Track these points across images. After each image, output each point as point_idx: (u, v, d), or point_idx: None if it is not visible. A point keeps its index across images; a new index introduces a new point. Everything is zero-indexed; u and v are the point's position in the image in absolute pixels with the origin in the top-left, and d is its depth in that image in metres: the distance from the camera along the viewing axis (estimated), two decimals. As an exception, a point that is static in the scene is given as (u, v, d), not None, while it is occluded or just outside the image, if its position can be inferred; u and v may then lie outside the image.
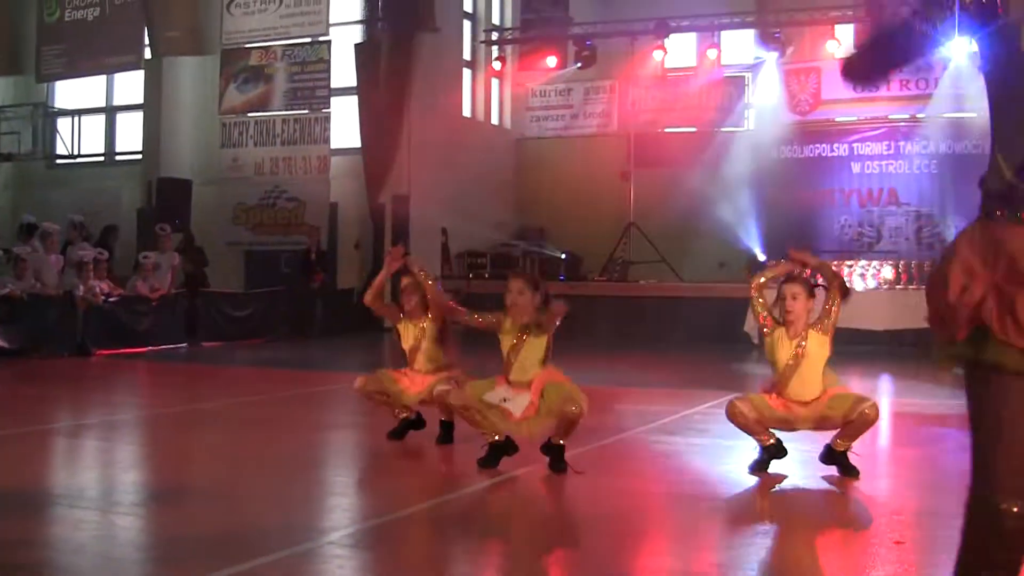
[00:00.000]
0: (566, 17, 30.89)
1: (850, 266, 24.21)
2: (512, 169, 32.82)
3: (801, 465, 9.04)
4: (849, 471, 8.85)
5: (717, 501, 8.27)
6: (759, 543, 7.20)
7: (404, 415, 10.43)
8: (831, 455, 8.97)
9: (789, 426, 9.05)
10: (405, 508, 7.74)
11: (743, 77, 29.68)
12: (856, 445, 8.85)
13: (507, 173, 32.50)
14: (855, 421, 8.74)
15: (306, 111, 28.35)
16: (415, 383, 10.22)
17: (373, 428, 10.83)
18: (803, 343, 8.97)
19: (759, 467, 8.98)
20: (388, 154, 27.53)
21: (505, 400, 8.92)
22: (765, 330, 9.25)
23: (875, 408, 8.79)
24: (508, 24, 33.13)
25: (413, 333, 10.35)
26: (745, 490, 8.57)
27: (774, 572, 6.59)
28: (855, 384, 17.46)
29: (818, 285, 9.28)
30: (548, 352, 9.05)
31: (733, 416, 9.08)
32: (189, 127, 30.27)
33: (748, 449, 9.15)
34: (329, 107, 28.12)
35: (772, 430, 9.06)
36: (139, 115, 30.45)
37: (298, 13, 27.88)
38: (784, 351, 9.03)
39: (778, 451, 9.00)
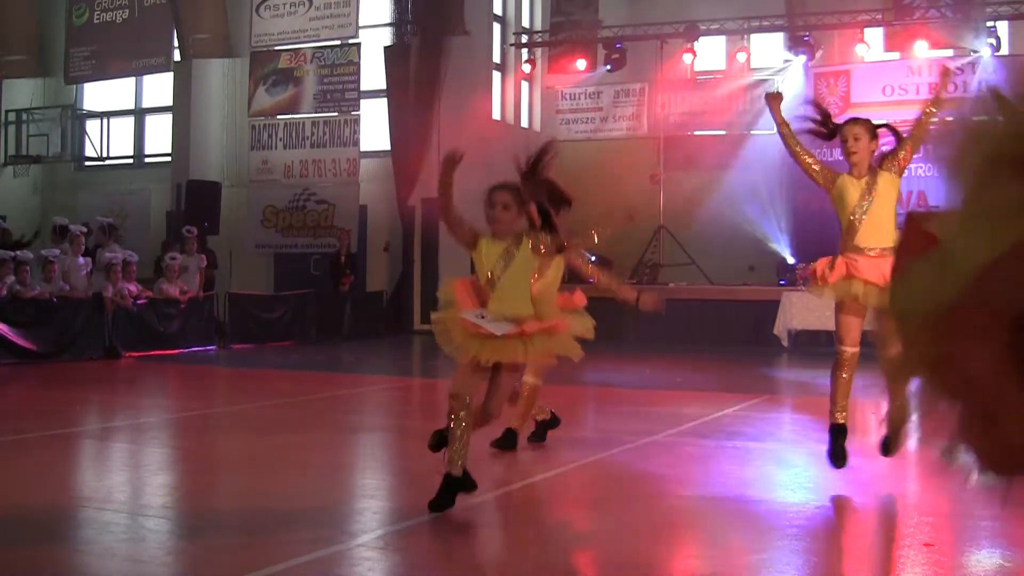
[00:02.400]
0: (596, 20, 30.81)
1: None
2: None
3: (824, 468, 8.96)
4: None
5: (746, 504, 8.21)
6: (788, 546, 7.14)
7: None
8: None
9: (852, 298, 8.55)
10: (430, 513, 7.70)
11: (772, 80, 29.58)
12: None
13: (536, 176, 32.46)
14: None
15: (335, 114, 28.39)
16: None
17: (403, 430, 10.82)
18: (874, 182, 8.65)
19: (835, 456, 8.63)
20: (417, 157, 27.55)
21: (482, 317, 7.66)
22: (826, 180, 8.89)
23: None
24: (538, 27, 33.08)
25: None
26: (774, 493, 8.52)
27: (802, 574, 6.54)
28: (881, 387, 17.43)
29: (883, 126, 9.01)
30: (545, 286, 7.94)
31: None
32: (218, 129, 30.36)
33: (778, 452, 9.10)
34: (359, 110, 28.16)
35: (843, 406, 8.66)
36: (168, 117, 30.55)
37: (327, 16, 27.92)
38: (853, 191, 8.67)
39: (844, 432, 8.62)
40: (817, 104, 9.70)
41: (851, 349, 8.59)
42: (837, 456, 8.59)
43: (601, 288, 8.53)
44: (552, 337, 7.86)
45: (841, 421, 8.65)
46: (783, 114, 9.28)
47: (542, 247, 7.81)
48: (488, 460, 9.54)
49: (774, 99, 9.43)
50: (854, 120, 8.86)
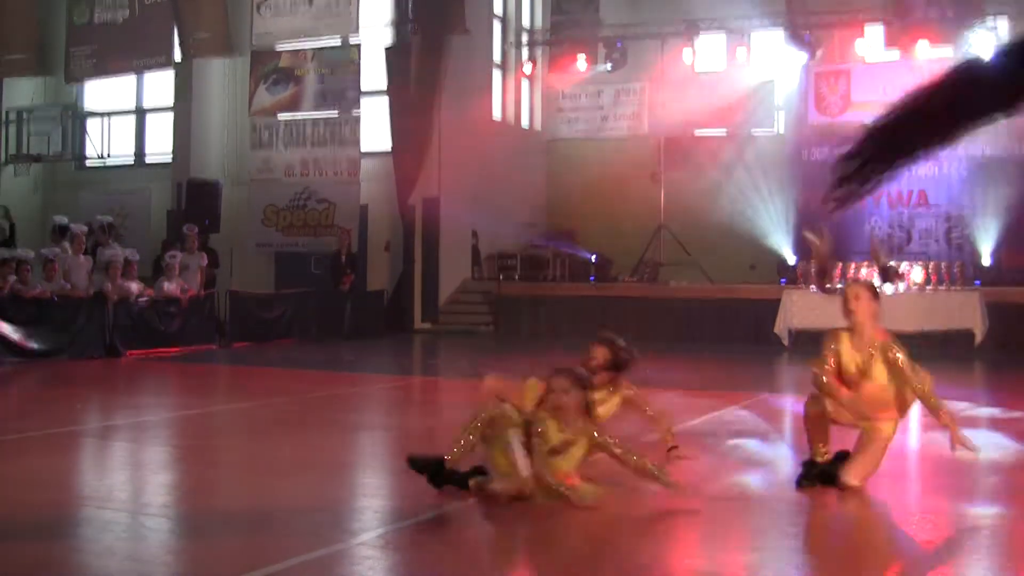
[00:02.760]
0: (596, 19, 30.83)
1: (881, 268, 24.11)
2: (542, 171, 32.81)
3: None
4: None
5: (746, 502, 8.22)
6: (787, 545, 7.15)
7: None
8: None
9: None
10: (435, 509, 7.70)
11: (772, 79, 29.58)
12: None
13: (537, 175, 32.49)
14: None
15: (336, 113, 28.38)
16: None
17: (403, 429, 10.81)
18: (872, 358, 8.30)
19: (807, 480, 8.52)
20: (418, 156, 27.56)
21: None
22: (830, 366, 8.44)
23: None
24: (538, 26, 33.12)
25: None
26: (774, 491, 8.51)
27: (801, 573, 6.55)
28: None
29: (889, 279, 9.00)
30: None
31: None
32: (219, 129, 30.38)
33: (777, 451, 9.10)
34: (359, 109, 28.15)
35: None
36: (169, 117, 30.58)
37: (328, 15, 27.90)
38: (849, 358, 8.38)
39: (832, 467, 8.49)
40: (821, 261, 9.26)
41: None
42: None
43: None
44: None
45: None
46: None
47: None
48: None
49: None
50: (855, 281, 8.94)
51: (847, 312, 8.34)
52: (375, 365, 20.65)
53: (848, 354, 8.33)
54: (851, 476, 8.25)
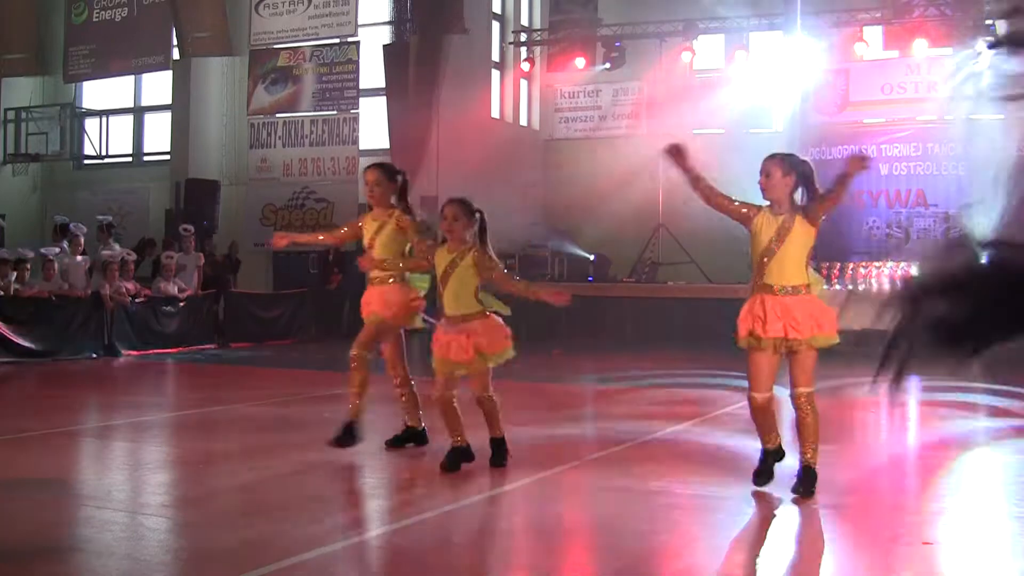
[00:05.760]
0: (595, 18, 30.81)
1: (878, 267, 24.13)
2: (541, 170, 32.76)
3: (823, 467, 8.94)
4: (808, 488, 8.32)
5: (744, 502, 8.22)
6: (785, 544, 7.16)
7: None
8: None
9: (762, 325, 8.45)
10: (434, 509, 7.71)
11: (771, 79, 29.56)
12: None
13: (536, 174, 32.45)
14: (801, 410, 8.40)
15: (334, 112, 28.39)
16: None
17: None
18: (789, 222, 8.36)
19: (762, 476, 8.57)
20: (416, 155, 27.50)
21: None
22: (745, 217, 8.59)
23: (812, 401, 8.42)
24: (537, 25, 33.10)
25: None
26: (771, 491, 8.51)
27: (800, 573, 6.55)
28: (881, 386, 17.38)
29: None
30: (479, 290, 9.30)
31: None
32: (217, 128, 30.36)
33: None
34: (358, 108, 28.16)
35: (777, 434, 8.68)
36: (167, 116, 30.55)
37: (326, 14, 27.92)
38: (768, 229, 8.41)
39: (777, 455, 8.64)
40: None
41: (763, 395, 8.61)
42: (760, 474, 8.61)
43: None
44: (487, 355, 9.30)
45: (770, 446, 8.68)
46: (691, 164, 8.72)
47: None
48: (485, 459, 9.51)
49: (677, 154, 8.69)
50: (769, 156, 8.58)
51: (761, 189, 8.60)
52: (373, 364, 20.61)
53: (767, 226, 8.54)
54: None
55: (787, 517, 7.87)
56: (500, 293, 9.50)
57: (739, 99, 29.47)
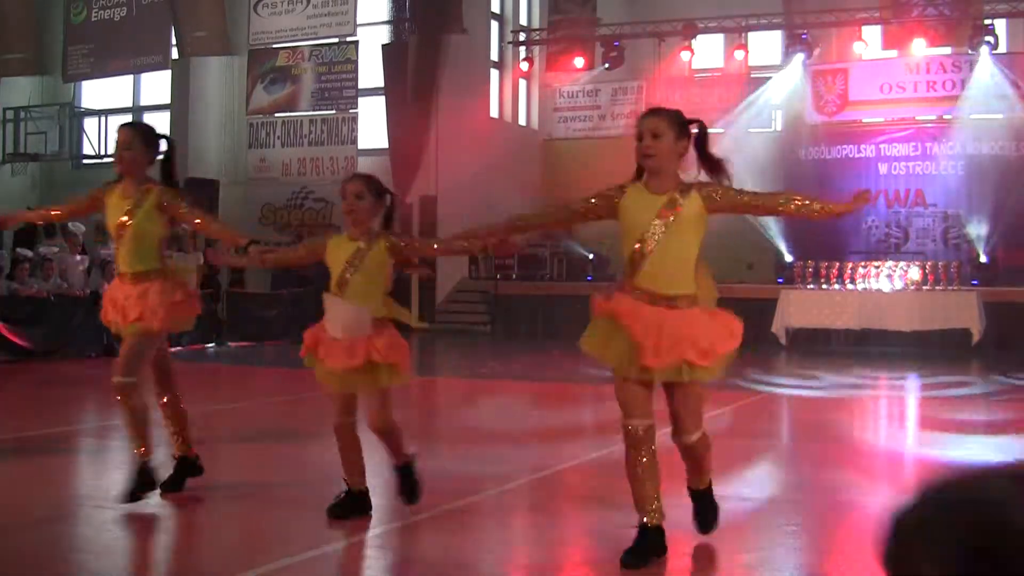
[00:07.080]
0: (594, 18, 30.81)
1: (877, 267, 24.15)
2: (540, 170, 32.76)
3: (823, 467, 8.95)
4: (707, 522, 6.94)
5: (743, 502, 8.21)
6: (786, 544, 7.15)
7: None
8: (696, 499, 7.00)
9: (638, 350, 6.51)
10: (433, 509, 7.70)
11: (770, 78, 29.58)
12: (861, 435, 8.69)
13: (535, 174, 32.44)
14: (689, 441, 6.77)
15: (333, 112, 28.40)
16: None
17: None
18: (678, 201, 6.38)
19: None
20: (415, 155, 27.54)
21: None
22: (609, 206, 6.64)
23: (704, 437, 6.94)
24: (536, 25, 33.11)
25: None
26: (770, 491, 8.51)
27: (801, 573, 6.55)
28: (881, 386, 17.42)
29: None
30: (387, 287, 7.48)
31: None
32: (216, 128, 30.35)
33: (776, 450, 9.07)
34: (356, 108, 28.18)
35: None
36: (166, 115, 30.50)
37: (325, 14, 27.92)
38: (644, 209, 6.41)
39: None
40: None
41: (643, 422, 6.65)
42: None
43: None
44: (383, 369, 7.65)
45: (649, 522, 6.44)
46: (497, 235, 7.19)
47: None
48: (489, 455, 9.51)
49: (500, 246, 7.29)
50: (653, 111, 6.53)
51: (641, 155, 6.60)
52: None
53: (644, 204, 6.62)
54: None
55: (783, 517, 7.86)
56: (425, 258, 8.74)
57: (738, 99, 29.47)
